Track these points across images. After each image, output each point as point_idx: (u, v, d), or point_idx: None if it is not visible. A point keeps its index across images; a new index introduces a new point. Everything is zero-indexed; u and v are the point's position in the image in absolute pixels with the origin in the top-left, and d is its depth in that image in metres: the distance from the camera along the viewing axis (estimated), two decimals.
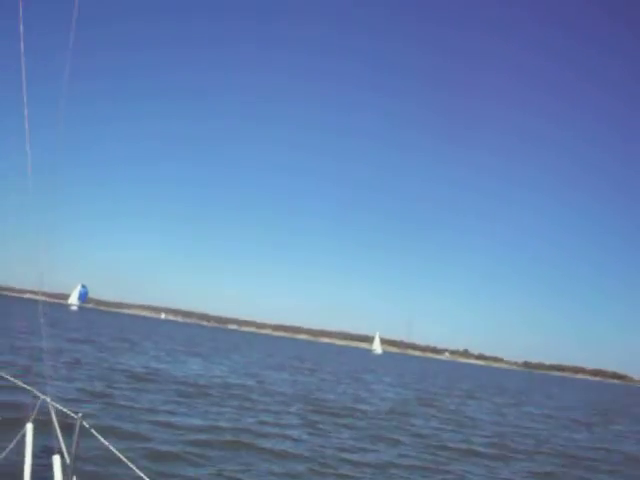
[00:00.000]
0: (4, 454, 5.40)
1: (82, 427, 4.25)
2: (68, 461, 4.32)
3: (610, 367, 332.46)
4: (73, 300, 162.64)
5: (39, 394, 5.33)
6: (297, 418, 19.88)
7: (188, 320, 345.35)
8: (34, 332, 44.59)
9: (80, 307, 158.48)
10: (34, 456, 5.00)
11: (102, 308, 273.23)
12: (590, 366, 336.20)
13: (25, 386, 5.85)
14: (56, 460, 4.59)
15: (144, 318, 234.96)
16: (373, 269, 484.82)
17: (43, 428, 5.20)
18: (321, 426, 18.85)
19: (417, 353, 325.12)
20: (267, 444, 14.60)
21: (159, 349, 48.34)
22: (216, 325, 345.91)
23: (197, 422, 16.52)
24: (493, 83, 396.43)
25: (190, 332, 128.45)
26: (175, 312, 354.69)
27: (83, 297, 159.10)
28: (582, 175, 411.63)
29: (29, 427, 5.12)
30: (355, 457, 14.76)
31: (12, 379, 6.47)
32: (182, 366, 34.46)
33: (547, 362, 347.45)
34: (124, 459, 4.21)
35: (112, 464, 10.46)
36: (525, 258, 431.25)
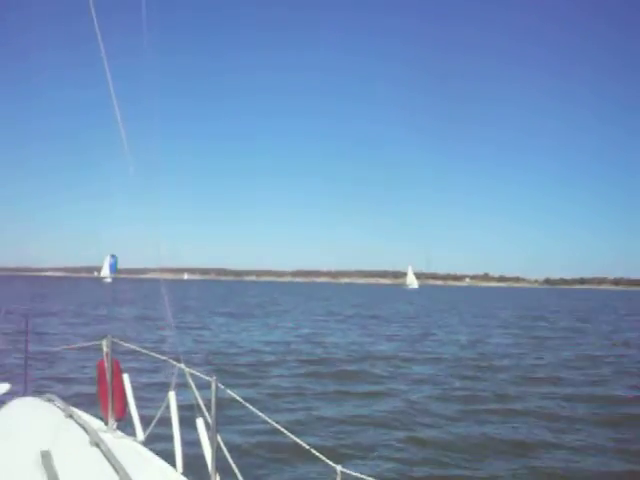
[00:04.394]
0: (153, 423, 5.77)
1: (218, 388, 4.51)
2: (210, 422, 4.58)
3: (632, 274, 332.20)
4: (105, 272, 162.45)
5: (174, 363, 5.66)
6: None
7: (207, 277, 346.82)
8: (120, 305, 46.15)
9: (112, 278, 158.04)
10: (180, 421, 5.36)
11: (126, 276, 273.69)
12: (611, 275, 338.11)
13: (162, 357, 6.20)
14: (199, 422, 4.89)
15: (171, 281, 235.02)
16: (383, 204, 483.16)
17: (183, 394, 5.44)
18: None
19: (438, 282, 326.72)
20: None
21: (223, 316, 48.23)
22: (234, 278, 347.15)
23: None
24: None
25: (222, 290, 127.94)
26: (193, 271, 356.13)
27: (113, 268, 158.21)
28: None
29: (171, 395, 5.46)
30: None
31: (149, 352, 6.84)
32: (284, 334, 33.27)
33: (568, 277, 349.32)
34: (261, 415, 4.44)
35: (251, 421, 11.35)
36: (536, 170, 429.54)
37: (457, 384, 18.18)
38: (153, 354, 6.61)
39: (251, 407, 4.59)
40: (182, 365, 5.47)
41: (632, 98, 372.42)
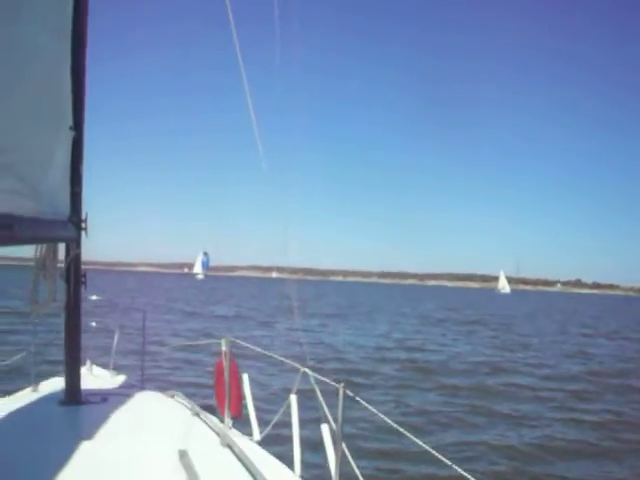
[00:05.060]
0: (271, 425, 5.72)
1: (345, 395, 4.33)
2: (335, 429, 4.44)
3: None
4: (197, 269, 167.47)
5: (299, 366, 5.38)
6: None
7: (294, 276, 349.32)
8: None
9: (205, 275, 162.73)
10: (301, 425, 5.24)
11: (215, 273, 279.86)
12: None
13: (285, 360, 5.98)
14: (324, 428, 4.75)
15: (261, 279, 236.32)
16: (469, 204, 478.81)
17: (306, 398, 5.43)
18: None
19: (528, 287, 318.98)
20: None
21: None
22: (321, 278, 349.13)
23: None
24: None
25: (311, 290, 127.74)
26: (281, 269, 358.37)
27: (205, 265, 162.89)
28: None
29: (293, 398, 5.34)
30: None
31: (273, 355, 6.64)
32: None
33: None
34: (394, 424, 4.26)
35: (380, 429, 11.08)
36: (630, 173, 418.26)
37: (573, 403, 16.86)
38: (276, 356, 6.54)
39: (384, 417, 4.42)
40: (307, 369, 5.38)
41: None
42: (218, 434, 5.38)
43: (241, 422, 6.44)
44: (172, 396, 6.83)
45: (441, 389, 18.12)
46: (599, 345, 34.18)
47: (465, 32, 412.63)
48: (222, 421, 6.19)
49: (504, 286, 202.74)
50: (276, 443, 6.25)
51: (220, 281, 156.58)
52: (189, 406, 6.31)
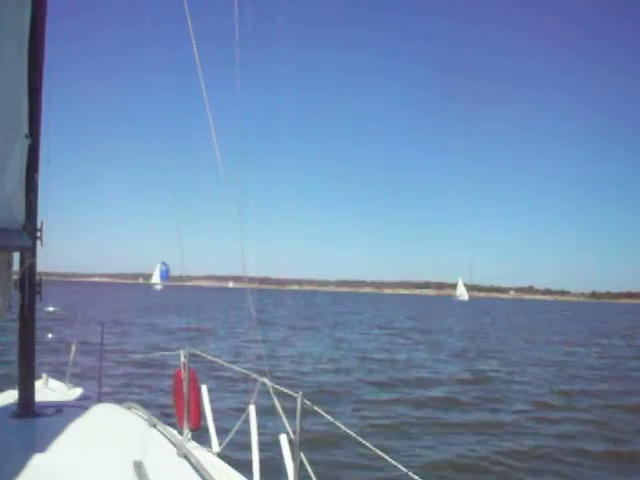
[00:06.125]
0: (230, 436, 5.66)
1: (304, 405, 4.37)
2: (293, 438, 4.44)
3: None
4: (156, 279, 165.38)
5: (257, 377, 5.41)
6: None
7: (251, 286, 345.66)
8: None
9: (163, 285, 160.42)
10: (260, 436, 5.23)
11: (171, 283, 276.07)
12: None
13: (244, 371, 6.02)
14: (283, 438, 4.75)
15: (218, 289, 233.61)
16: (423, 214, 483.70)
17: (265, 409, 5.43)
18: None
19: (482, 294, 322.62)
20: None
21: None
22: (276, 287, 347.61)
23: None
24: None
25: (268, 300, 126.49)
26: (236, 279, 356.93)
27: (164, 275, 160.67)
28: None
29: (252, 409, 5.34)
30: None
31: (231, 366, 6.66)
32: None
33: (614, 290, 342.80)
34: (351, 433, 4.26)
35: (338, 439, 11.14)
36: (580, 183, 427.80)
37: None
38: (234, 367, 6.50)
39: (342, 426, 4.42)
40: (265, 380, 5.36)
41: None
42: (175, 445, 5.35)
43: (200, 433, 6.39)
44: (129, 408, 6.75)
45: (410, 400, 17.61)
46: (576, 353, 33.96)
47: (468, 49, 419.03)
48: (181, 433, 6.13)
49: (462, 293, 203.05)
50: (235, 454, 6.23)
51: (180, 291, 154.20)
52: (146, 418, 6.23)
